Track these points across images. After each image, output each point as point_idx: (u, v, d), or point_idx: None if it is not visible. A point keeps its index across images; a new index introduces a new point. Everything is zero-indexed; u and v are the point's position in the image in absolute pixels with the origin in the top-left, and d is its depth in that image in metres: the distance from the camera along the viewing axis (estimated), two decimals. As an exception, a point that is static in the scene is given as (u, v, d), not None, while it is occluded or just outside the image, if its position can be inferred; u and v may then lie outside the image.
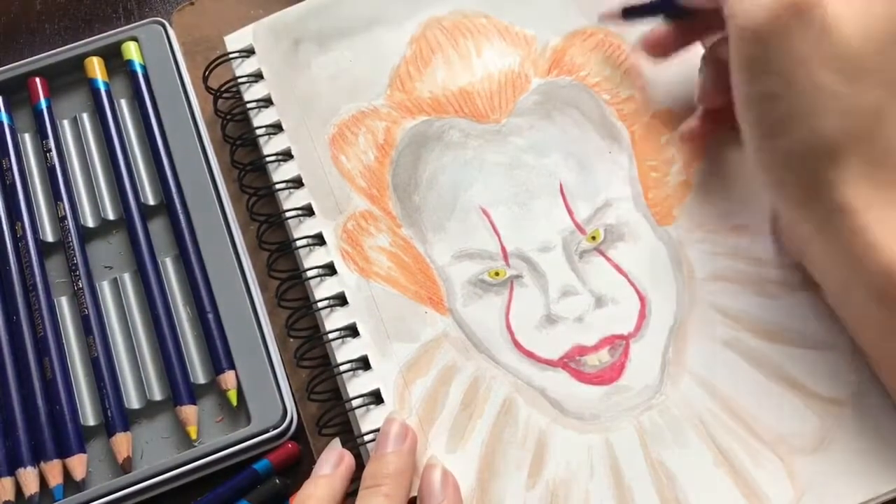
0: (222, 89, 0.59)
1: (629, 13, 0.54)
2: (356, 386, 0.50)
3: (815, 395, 0.48)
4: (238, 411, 0.54)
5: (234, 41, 0.61)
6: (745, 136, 0.44)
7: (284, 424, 0.52)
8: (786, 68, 0.39)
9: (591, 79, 0.57)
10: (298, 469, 0.53)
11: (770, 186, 0.45)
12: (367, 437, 0.49)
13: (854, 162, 0.40)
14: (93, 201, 0.60)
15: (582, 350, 0.50)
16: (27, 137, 0.62)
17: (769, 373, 0.48)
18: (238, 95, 0.60)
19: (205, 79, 0.60)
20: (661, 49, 0.52)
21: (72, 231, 0.58)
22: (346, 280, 0.53)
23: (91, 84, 0.63)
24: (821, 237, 0.44)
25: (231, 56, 0.60)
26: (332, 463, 0.47)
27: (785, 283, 0.50)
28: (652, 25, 0.53)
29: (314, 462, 0.51)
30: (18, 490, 0.52)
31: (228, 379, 0.53)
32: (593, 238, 0.52)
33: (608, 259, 0.52)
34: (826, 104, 0.39)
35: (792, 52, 0.38)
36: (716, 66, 0.48)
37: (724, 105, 0.47)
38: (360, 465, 0.50)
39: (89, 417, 0.54)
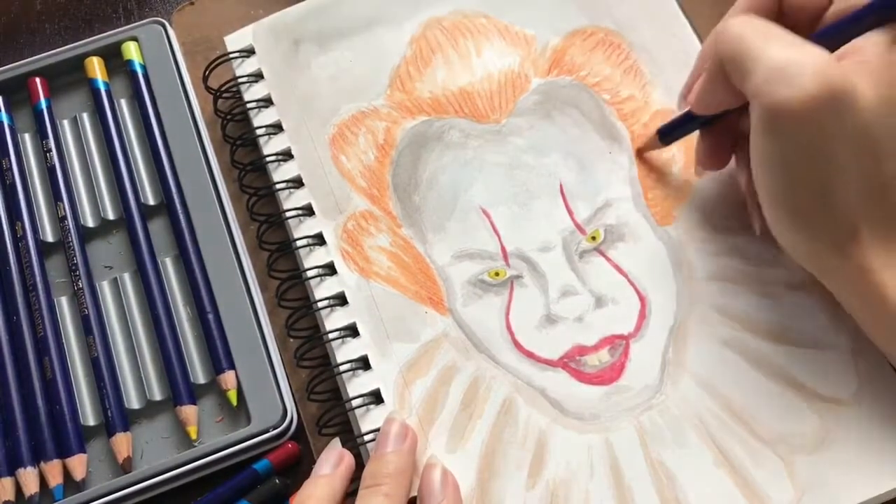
0: (222, 89, 0.59)
1: (665, 134, 0.53)
2: (356, 386, 0.50)
3: (816, 394, 0.48)
4: (238, 411, 0.54)
5: (234, 41, 0.61)
6: (763, 200, 0.44)
7: (284, 424, 0.52)
8: (814, 147, 0.39)
9: (591, 78, 0.57)
10: (298, 469, 0.53)
11: (785, 244, 0.45)
12: (367, 437, 0.49)
13: (872, 228, 0.41)
14: (93, 201, 0.60)
15: (582, 350, 0.50)
16: (27, 137, 0.62)
17: (769, 372, 0.48)
18: (238, 95, 0.60)
19: (205, 79, 0.60)
20: (719, 160, 0.51)
21: (72, 231, 0.58)
22: (346, 280, 0.53)
23: (91, 84, 0.63)
24: (835, 284, 0.45)
25: (231, 56, 0.60)
26: (332, 463, 0.47)
27: (785, 282, 0.50)
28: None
29: (314, 462, 0.51)
30: (18, 490, 0.52)
31: (228, 379, 0.53)
32: (593, 238, 0.52)
33: (608, 259, 0.52)
34: (849, 181, 0.40)
35: (822, 133, 0.39)
36: (720, 134, 0.49)
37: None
38: (360, 465, 0.50)
39: (89, 417, 0.54)
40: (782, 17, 0.45)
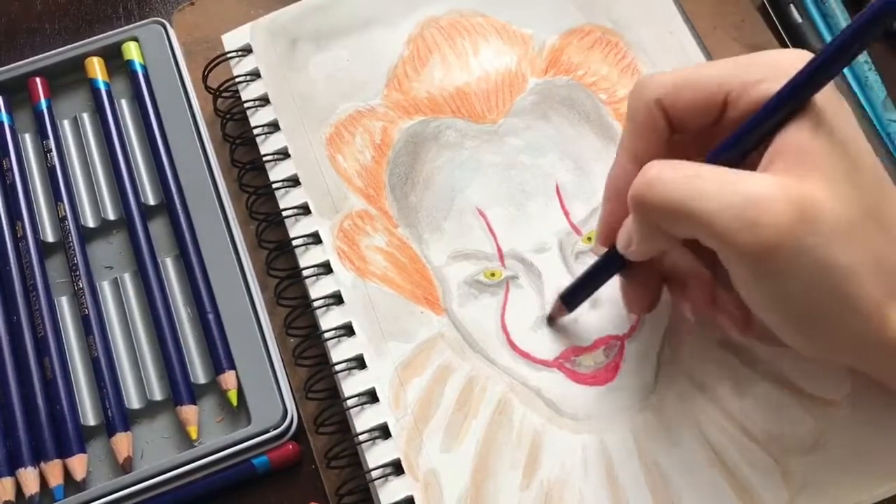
0: (222, 88, 0.59)
1: (569, 298, 0.50)
2: (352, 385, 0.51)
3: (810, 395, 0.48)
4: (238, 411, 0.54)
5: (232, 40, 0.61)
6: (779, 330, 0.42)
7: (285, 424, 0.52)
8: (813, 268, 0.38)
9: (588, 78, 0.57)
10: (299, 469, 0.53)
11: (810, 354, 0.43)
12: (362, 437, 0.49)
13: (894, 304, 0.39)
14: (93, 201, 0.60)
15: (577, 350, 0.50)
16: (27, 137, 0.63)
17: (764, 373, 0.48)
18: (237, 95, 0.60)
19: (204, 78, 0.60)
20: (651, 300, 0.48)
21: (72, 231, 0.58)
22: (342, 279, 0.53)
23: (91, 84, 0.63)
24: (875, 365, 0.43)
25: (229, 55, 0.60)
26: None
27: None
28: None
29: (314, 462, 0.52)
30: (19, 490, 0.52)
31: (229, 379, 0.54)
32: (589, 239, 0.52)
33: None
34: (860, 276, 0.38)
35: (815, 252, 0.37)
36: (646, 274, 0.47)
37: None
38: (356, 463, 0.50)
39: (89, 417, 0.54)
40: (675, 135, 0.44)
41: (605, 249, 0.47)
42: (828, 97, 0.39)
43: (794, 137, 0.38)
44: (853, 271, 0.38)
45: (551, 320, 0.51)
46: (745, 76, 0.41)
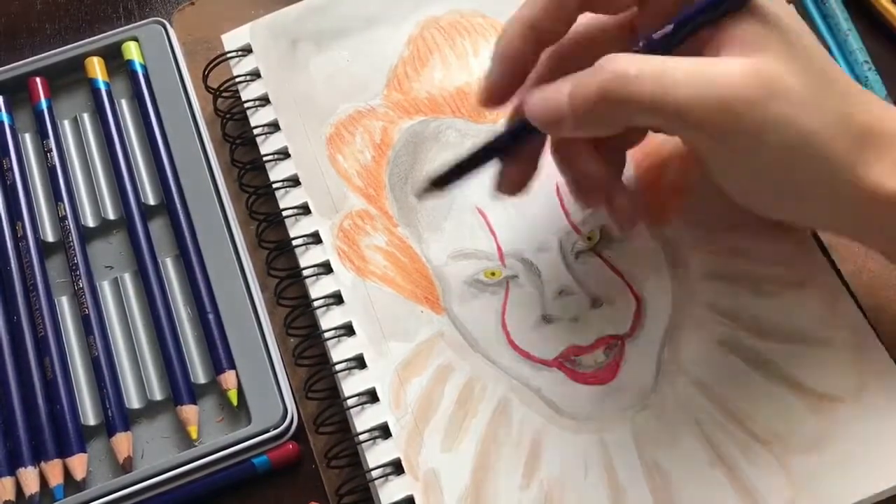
0: (222, 88, 0.59)
1: (441, 181, 0.47)
2: (352, 385, 0.51)
3: (812, 393, 0.48)
4: (238, 411, 0.54)
5: (232, 39, 0.61)
6: (759, 205, 0.45)
7: (285, 424, 0.52)
8: (783, 134, 0.39)
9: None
10: (299, 469, 0.53)
11: (791, 219, 0.46)
12: (362, 437, 0.49)
13: (869, 152, 0.41)
14: (93, 201, 0.60)
15: (577, 350, 0.50)
16: (27, 137, 0.63)
17: (765, 371, 0.48)
18: (237, 95, 0.60)
19: (204, 78, 0.60)
20: (524, 185, 0.48)
21: (72, 231, 0.58)
22: (342, 279, 0.53)
23: (91, 84, 0.63)
24: (854, 225, 0.45)
25: (229, 55, 0.60)
26: None
27: (781, 281, 0.50)
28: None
29: (314, 462, 0.52)
30: (19, 490, 0.52)
31: (229, 379, 0.54)
32: (589, 238, 0.52)
33: (604, 259, 0.52)
34: (833, 134, 0.40)
35: (779, 123, 0.39)
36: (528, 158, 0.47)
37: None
38: (356, 463, 0.50)
39: (90, 417, 0.54)
40: (582, 9, 0.44)
41: (485, 109, 0.47)
42: None
43: (737, 28, 0.40)
44: (820, 133, 0.40)
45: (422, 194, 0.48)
46: None
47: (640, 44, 0.41)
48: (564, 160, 0.47)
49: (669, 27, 0.41)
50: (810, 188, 0.42)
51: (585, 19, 0.45)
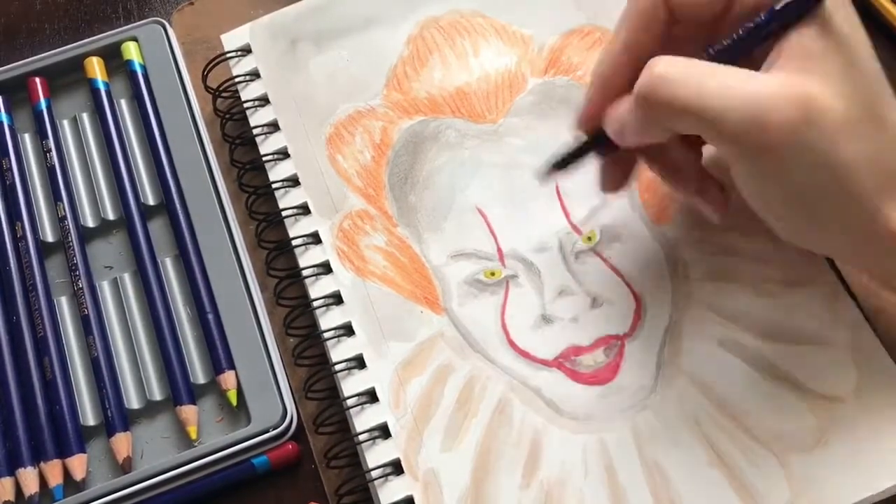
0: (221, 88, 0.59)
1: (560, 165, 0.48)
2: (351, 385, 0.51)
3: (812, 393, 0.48)
4: (238, 411, 0.54)
5: (231, 39, 0.61)
6: (782, 229, 0.44)
7: (284, 424, 0.52)
8: (815, 165, 0.39)
9: (587, 78, 0.57)
10: (299, 469, 0.53)
11: (811, 248, 0.45)
12: (362, 437, 0.49)
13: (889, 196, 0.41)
14: (93, 201, 0.60)
15: (577, 350, 0.50)
16: (27, 137, 0.63)
17: (765, 372, 0.48)
18: (237, 95, 0.60)
19: (204, 78, 0.60)
20: (622, 182, 0.49)
21: (72, 231, 0.58)
22: (341, 279, 0.53)
23: (91, 84, 0.63)
24: (872, 260, 0.44)
25: (229, 55, 0.60)
26: None
27: (781, 281, 0.50)
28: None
29: (314, 461, 0.52)
30: (18, 490, 0.52)
31: (228, 379, 0.54)
32: (589, 238, 0.52)
33: (604, 259, 0.52)
34: (861, 171, 0.39)
35: (817, 149, 0.39)
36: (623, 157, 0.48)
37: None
38: (356, 463, 0.50)
39: (89, 417, 0.54)
40: (674, 26, 0.44)
41: (584, 132, 0.47)
42: (836, 1, 0.40)
43: (799, 39, 0.40)
44: (852, 166, 0.39)
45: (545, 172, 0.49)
46: None
47: (708, 53, 0.41)
48: (652, 155, 0.48)
49: (735, 37, 0.41)
50: (834, 221, 0.41)
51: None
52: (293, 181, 0.56)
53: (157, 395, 0.54)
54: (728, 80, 0.39)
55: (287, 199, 0.56)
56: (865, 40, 0.41)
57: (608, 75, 0.45)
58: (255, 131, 0.58)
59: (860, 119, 0.39)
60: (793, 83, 0.38)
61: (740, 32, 0.41)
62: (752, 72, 0.39)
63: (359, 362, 0.51)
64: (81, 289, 0.57)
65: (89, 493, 0.52)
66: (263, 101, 0.59)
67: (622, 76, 0.43)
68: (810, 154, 0.39)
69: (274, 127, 0.58)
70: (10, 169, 0.60)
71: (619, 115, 0.43)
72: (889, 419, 0.47)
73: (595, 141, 0.47)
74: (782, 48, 0.40)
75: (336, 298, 0.53)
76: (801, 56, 0.39)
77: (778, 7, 0.40)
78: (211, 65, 0.60)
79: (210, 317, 0.55)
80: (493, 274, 0.52)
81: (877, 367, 0.48)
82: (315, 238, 0.54)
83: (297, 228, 0.55)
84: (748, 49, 0.41)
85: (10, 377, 0.54)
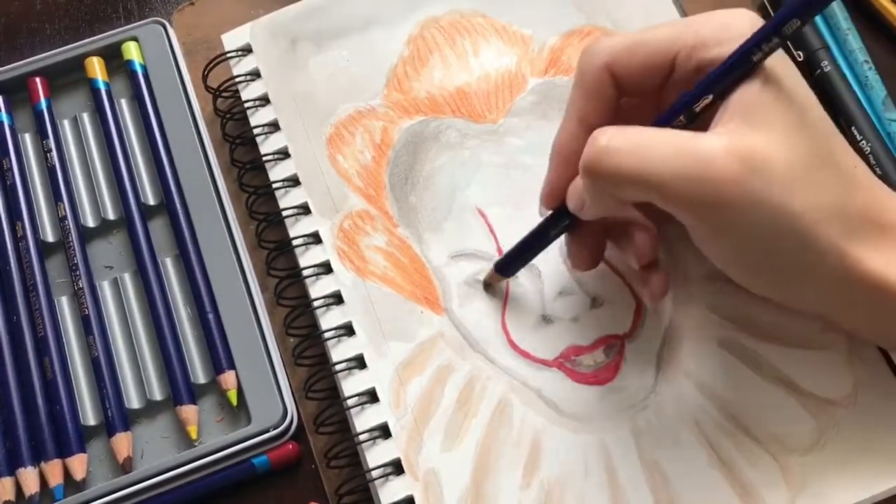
0: (222, 88, 0.59)
1: (507, 265, 0.51)
2: (352, 385, 0.51)
3: (811, 394, 0.48)
4: (238, 411, 0.54)
5: (232, 39, 0.61)
6: (742, 281, 0.44)
7: (285, 424, 0.52)
8: (768, 218, 0.39)
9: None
10: (299, 469, 0.53)
11: (776, 299, 0.45)
12: (362, 437, 0.49)
13: (859, 241, 0.40)
14: (93, 201, 0.60)
15: (577, 350, 0.50)
16: (27, 137, 0.63)
17: (764, 373, 0.48)
18: (237, 94, 0.60)
19: (204, 78, 0.60)
20: (595, 258, 0.49)
21: (72, 231, 0.58)
22: (342, 279, 0.53)
23: (91, 84, 0.63)
24: (842, 310, 0.44)
25: (229, 55, 0.60)
26: None
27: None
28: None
29: (314, 461, 0.52)
30: (19, 490, 0.52)
31: (228, 379, 0.54)
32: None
33: (604, 259, 0.52)
34: (819, 221, 0.39)
35: (767, 202, 0.38)
36: (591, 232, 0.48)
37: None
38: (356, 463, 0.50)
39: (89, 417, 0.54)
40: (623, 97, 0.45)
41: (549, 211, 0.48)
42: (775, 55, 0.40)
43: (741, 96, 0.40)
44: (808, 214, 0.39)
45: (487, 286, 0.52)
46: (694, 38, 0.42)
47: (654, 120, 0.42)
48: (615, 234, 0.49)
49: (677, 102, 0.42)
50: (793, 270, 0.41)
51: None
52: (293, 181, 0.56)
53: (158, 394, 0.54)
54: (669, 144, 0.39)
55: (287, 199, 0.56)
56: (808, 91, 0.41)
57: (565, 149, 0.46)
58: (255, 131, 0.58)
59: (812, 166, 0.39)
60: (734, 137, 0.38)
61: (680, 99, 0.41)
62: (695, 133, 0.39)
63: (359, 362, 0.51)
64: (82, 289, 0.57)
65: (89, 492, 0.52)
66: (264, 100, 0.59)
67: (579, 149, 0.43)
68: (762, 207, 0.38)
69: (274, 127, 0.58)
70: (11, 169, 0.60)
71: (577, 190, 0.44)
72: (885, 423, 0.47)
73: (559, 218, 0.47)
74: (727, 106, 0.40)
75: (336, 298, 0.53)
76: (744, 112, 0.39)
77: (715, 70, 0.40)
78: (211, 65, 0.60)
79: (210, 317, 0.55)
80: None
81: (873, 371, 0.48)
82: (315, 238, 0.54)
83: (297, 228, 0.55)
84: (692, 113, 0.41)
85: (11, 377, 0.54)
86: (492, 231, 0.53)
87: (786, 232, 0.39)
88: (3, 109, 0.62)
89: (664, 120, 0.42)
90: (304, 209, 0.55)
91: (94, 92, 0.63)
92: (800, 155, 0.39)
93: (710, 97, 0.40)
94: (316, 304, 0.53)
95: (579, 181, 0.43)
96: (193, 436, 0.53)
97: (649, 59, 0.43)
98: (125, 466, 0.52)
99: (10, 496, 0.52)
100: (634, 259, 0.47)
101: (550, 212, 0.48)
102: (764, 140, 0.38)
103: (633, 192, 0.40)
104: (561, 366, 0.50)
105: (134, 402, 0.54)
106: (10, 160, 0.61)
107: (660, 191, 0.39)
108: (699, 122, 0.41)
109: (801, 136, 0.39)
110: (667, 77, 0.43)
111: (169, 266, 0.58)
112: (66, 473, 0.53)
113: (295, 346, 0.53)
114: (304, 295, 0.54)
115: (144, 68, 0.63)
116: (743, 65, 0.39)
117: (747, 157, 0.38)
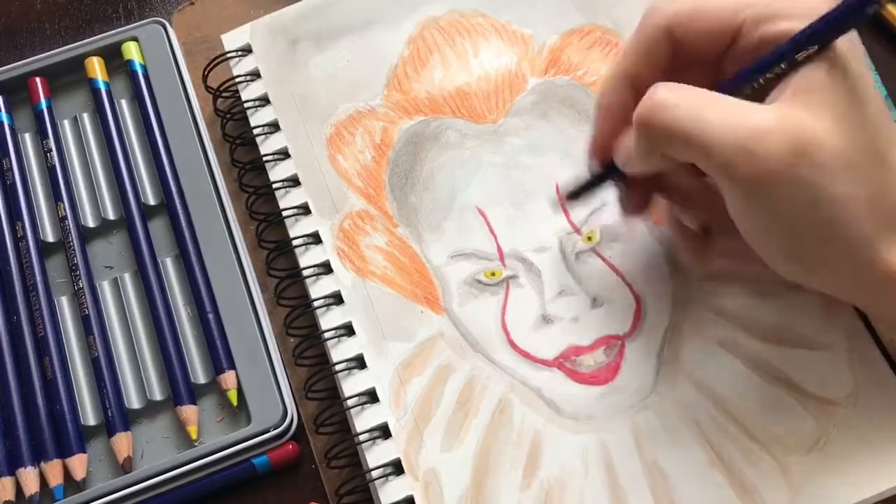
0: (222, 88, 0.59)
1: (576, 194, 0.50)
2: (352, 385, 0.51)
3: (811, 395, 0.48)
4: (238, 411, 0.54)
5: (232, 39, 0.61)
6: (769, 259, 0.43)
7: (285, 424, 0.52)
8: (806, 198, 0.38)
9: (588, 78, 0.57)
10: (299, 469, 0.53)
11: (801, 282, 0.44)
12: (362, 437, 0.49)
13: (889, 234, 0.40)
14: (93, 201, 0.60)
15: (577, 350, 0.50)
16: (27, 137, 0.63)
17: (764, 373, 0.48)
18: (237, 95, 0.60)
19: (204, 78, 0.60)
20: (643, 206, 0.49)
21: (72, 231, 0.58)
22: (342, 279, 0.53)
23: (91, 84, 0.63)
24: (864, 298, 0.44)
25: (229, 55, 0.60)
26: None
27: (781, 282, 0.50)
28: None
29: (314, 462, 0.52)
30: (19, 490, 0.52)
31: (229, 379, 0.54)
32: (589, 238, 0.52)
33: (604, 259, 0.52)
34: (851, 209, 0.39)
35: (809, 183, 0.38)
36: (640, 182, 0.48)
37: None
38: (356, 463, 0.50)
39: (90, 417, 0.54)
40: (676, 60, 0.44)
41: (597, 163, 0.48)
42: (846, 37, 0.39)
43: (806, 74, 0.39)
44: (846, 204, 0.39)
45: (565, 199, 0.52)
46: (764, 8, 0.41)
47: (718, 84, 0.41)
48: (666, 187, 0.48)
49: (743, 72, 0.41)
50: (825, 258, 0.41)
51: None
52: (293, 181, 0.56)
53: (158, 394, 0.55)
54: (725, 110, 0.39)
55: (287, 199, 0.56)
56: (871, 80, 0.40)
57: (611, 105, 0.45)
58: (255, 131, 0.58)
59: (860, 157, 0.39)
60: (789, 116, 0.38)
61: (747, 69, 0.41)
62: (753, 104, 0.39)
63: (359, 362, 0.51)
64: (82, 289, 0.57)
65: (89, 492, 0.52)
66: (264, 101, 0.59)
67: (625, 106, 0.43)
68: (803, 189, 0.38)
69: (274, 127, 0.58)
70: (11, 169, 0.60)
71: (625, 145, 0.44)
72: (886, 423, 0.47)
73: (607, 172, 0.47)
74: (790, 82, 0.39)
75: (336, 298, 0.53)
76: (805, 90, 0.39)
77: (785, 45, 0.39)
78: (211, 65, 0.60)
79: (210, 317, 0.55)
80: (493, 274, 0.52)
81: (873, 371, 0.48)
82: (315, 238, 0.54)
83: (297, 228, 0.55)
84: (755, 86, 0.41)
85: (11, 377, 0.54)
86: (492, 231, 0.53)
87: (822, 218, 0.39)
88: (3, 109, 0.62)
89: (726, 87, 0.41)
90: (304, 209, 0.55)
91: (95, 92, 0.63)
92: (850, 144, 0.38)
93: (775, 71, 0.40)
94: (316, 304, 0.53)
95: (627, 138, 0.43)
96: (193, 436, 0.53)
97: (713, 25, 0.42)
98: (125, 466, 0.52)
99: (11, 496, 0.52)
100: (688, 219, 0.48)
101: (598, 168, 0.48)
102: (818, 124, 0.38)
103: (682, 150, 0.40)
104: (561, 366, 0.50)
105: (134, 402, 0.54)
106: (11, 160, 0.61)
107: (708, 154, 0.39)
108: (760, 94, 0.41)
109: (855, 126, 0.39)
110: (727, 46, 0.43)
111: (169, 266, 0.58)
112: (67, 473, 0.53)
113: (295, 346, 0.53)
114: (304, 295, 0.54)
115: (144, 68, 0.63)
116: (813, 44, 0.39)
117: (798, 138, 0.38)
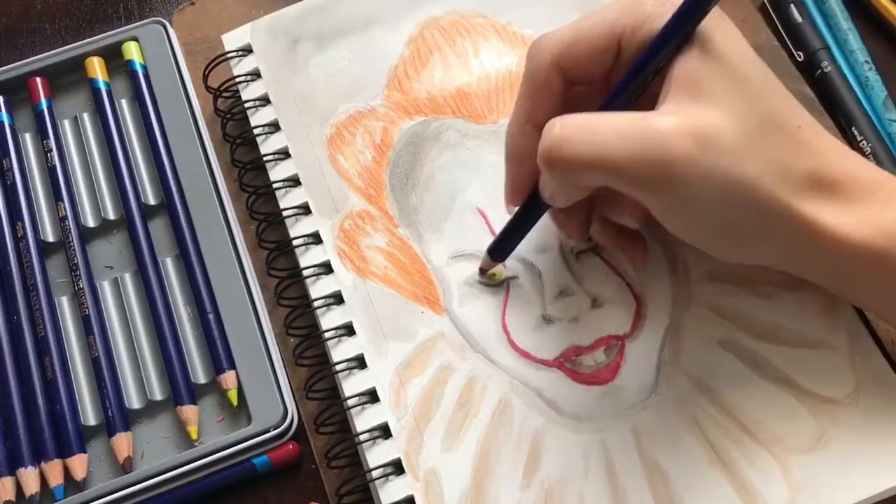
0: (222, 88, 0.59)
1: (497, 251, 0.51)
2: (352, 385, 0.51)
3: (811, 394, 0.48)
4: (239, 411, 0.54)
5: (232, 39, 0.61)
6: (709, 249, 0.44)
7: (285, 424, 0.52)
8: (721, 184, 0.39)
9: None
10: (299, 469, 0.53)
11: (740, 260, 0.45)
12: (363, 437, 0.49)
13: (803, 196, 0.41)
14: (93, 201, 0.60)
15: (578, 350, 0.50)
16: (28, 137, 0.63)
17: (765, 372, 0.48)
18: (238, 94, 0.60)
19: (204, 78, 0.60)
20: (585, 229, 0.50)
21: (72, 231, 0.58)
22: (342, 279, 0.53)
23: (92, 84, 0.63)
24: (800, 263, 0.45)
25: (230, 55, 0.60)
26: None
27: (781, 282, 0.50)
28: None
29: (314, 462, 0.52)
30: (19, 490, 0.52)
31: (229, 379, 0.54)
32: (589, 238, 0.52)
33: (604, 259, 0.52)
34: (766, 182, 0.40)
35: (717, 169, 0.39)
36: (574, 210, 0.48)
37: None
38: (356, 463, 0.50)
39: (90, 417, 0.54)
40: (571, 88, 0.45)
41: (516, 207, 0.48)
42: (713, 20, 0.40)
43: (683, 67, 0.40)
44: (757, 179, 0.39)
45: (482, 272, 0.52)
46: (635, 16, 0.42)
47: (600, 105, 0.42)
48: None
49: (619, 83, 0.42)
50: (750, 234, 0.42)
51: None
52: (294, 181, 0.56)
53: (158, 394, 0.55)
54: (619, 127, 0.39)
55: (288, 199, 0.56)
56: (746, 50, 0.41)
57: (520, 150, 0.46)
58: (255, 131, 0.58)
59: (757, 132, 0.40)
60: (680, 115, 0.39)
61: (622, 79, 0.42)
62: (643, 114, 0.40)
63: (359, 362, 0.51)
64: (82, 289, 0.57)
65: (90, 492, 0.52)
66: (264, 101, 0.59)
67: (533, 148, 0.43)
68: (714, 177, 0.39)
69: (274, 127, 0.58)
70: (11, 169, 0.60)
71: (546, 183, 0.44)
72: (886, 422, 0.47)
73: (529, 209, 0.48)
74: (671, 78, 0.40)
75: (337, 298, 0.53)
76: (687, 83, 0.40)
77: (651, 44, 0.40)
78: (212, 65, 0.60)
79: (210, 317, 0.55)
80: (493, 275, 0.52)
81: (874, 370, 0.48)
82: (316, 238, 0.54)
83: (297, 228, 0.55)
84: (636, 92, 0.41)
85: (11, 377, 0.54)
86: (492, 231, 0.53)
87: (739, 200, 0.40)
88: (3, 109, 0.62)
89: (609, 102, 0.42)
90: (305, 209, 0.55)
91: (95, 92, 0.63)
92: (745, 123, 0.39)
93: (656, 67, 0.41)
94: (316, 304, 0.53)
95: (544, 176, 0.44)
96: (194, 436, 0.53)
97: (595, 45, 0.43)
98: (125, 466, 0.52)
99: (11, 496, 0.52)
100: (628, 220, 0.48)
101: (517, 208, 0.49)
102: (710, 113, 0.39)
103: (591, 178, 0.41)
104: (561, 366, 0.50)
105: (134, 402, 0.54)
106: (11, 160, 0.61)
107: (616, 175, 0.39)
108: (647, 96, 0.41)
109: (744, 103, 0.40)
110: (615, 60, 0.43)
111: (169, 266, 0.58)
112: (67, 473, 0.53)
113: (295, 346, 0.53)
114: (305, 295, 0.54)
115: (145, 68, 0.63)
116: (678, 32, 0.40)
117: (696, 134, 0.38)
